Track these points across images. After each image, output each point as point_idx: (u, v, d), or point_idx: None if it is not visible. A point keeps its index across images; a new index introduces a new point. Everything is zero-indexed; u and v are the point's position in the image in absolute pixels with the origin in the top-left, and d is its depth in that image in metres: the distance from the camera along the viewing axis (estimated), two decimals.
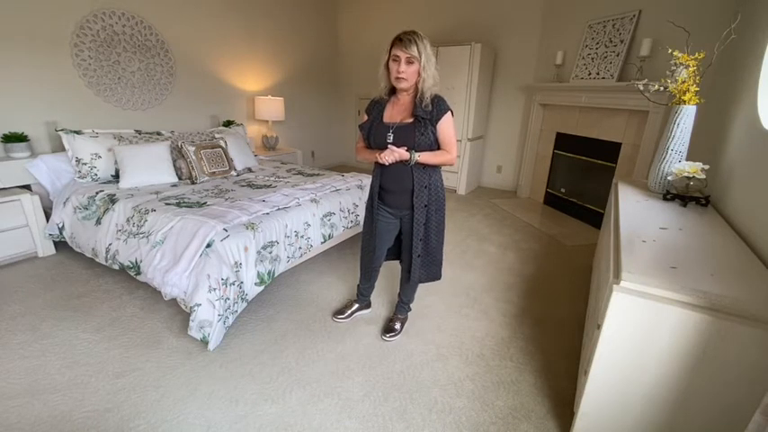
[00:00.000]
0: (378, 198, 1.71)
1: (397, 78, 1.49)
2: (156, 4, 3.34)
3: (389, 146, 1.52)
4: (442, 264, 1.81)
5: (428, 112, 1.52)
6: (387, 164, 1.54)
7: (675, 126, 1.89)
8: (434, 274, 1.80)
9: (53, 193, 2.62)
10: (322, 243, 2.37)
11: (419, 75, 1.49)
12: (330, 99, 5.75)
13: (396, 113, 1.59)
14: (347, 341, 1.87)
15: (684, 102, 1.86)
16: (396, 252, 1.91)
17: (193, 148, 2.85)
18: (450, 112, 1.55)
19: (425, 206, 1.63)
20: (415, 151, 1.53)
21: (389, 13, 5.14)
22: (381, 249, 1.83)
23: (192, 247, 1.81)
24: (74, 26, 2.86)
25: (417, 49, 1.44)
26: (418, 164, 1.56)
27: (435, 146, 1.58)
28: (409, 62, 1.46)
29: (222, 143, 3.12)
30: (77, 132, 2.70)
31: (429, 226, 1.67)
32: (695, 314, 1.02)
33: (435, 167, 1.63)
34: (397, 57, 1.46)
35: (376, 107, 1.64)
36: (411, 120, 1.55)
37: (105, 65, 3.09)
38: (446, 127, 1.55)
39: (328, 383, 1.60)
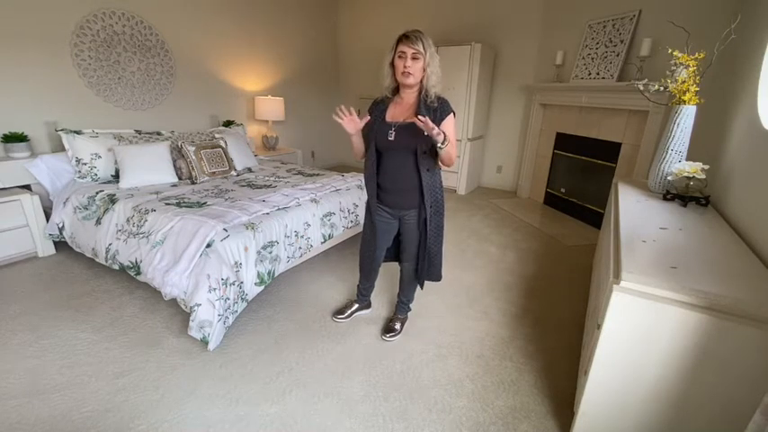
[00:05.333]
0: (376, 198, 1.71)
1: (404, 74, 1.49)
2: (156, 4, 3.34)
3: (419, 117, 1.39)
4: (441, 265, 1.81)
5: (431, 112, 1.52)
6: (428, 131, 1.39)
7: (675, 126, 1.89)
8: (434, 276, 1.81)
9: (53, 193, 2.62)
10: (322, 243, 2.38)
11: (424, 71, 1.50)
12: (330, 99, 5.74)
13: (399, 113, 1.59)
14: (347, 341, 1.87)
15: (684, 102, 1.86)
16: (395, 253, 1.91)
17: (193, 148, 2.85)
18: (452, 114, 1.56)
19: (430, 207, 1.63)
20: (418, 152, 1.53)
21: (389, 14, 5.14)
22: (381, 249, 1.83)
23: (191, 247, 1.81)
24: (74, 26, 2.86)
25: (423, 46, 1.46)
26: (425, 163, 1.55)
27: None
28: (415, 58, 1.47)
29: (222, 143, 3.12)
30: (77, 132, 2.70)
31: (429, 227, 1.67)
32: (695, 314, 1.02)
33: (437, 170, 1.63)
34: (404, 53, 1.47)
35: (378, 107, 1.64)
36: (414, 119, 1.54)
37: (105, 65, 3.09)
38: (449, 128, 1.55)
39: (328, 383, 1.60)
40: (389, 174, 1.63)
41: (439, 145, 1.46)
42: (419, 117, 1.39)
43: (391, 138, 1.54)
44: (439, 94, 1.56)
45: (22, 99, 2.70)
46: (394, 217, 1.73)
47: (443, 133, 1.42)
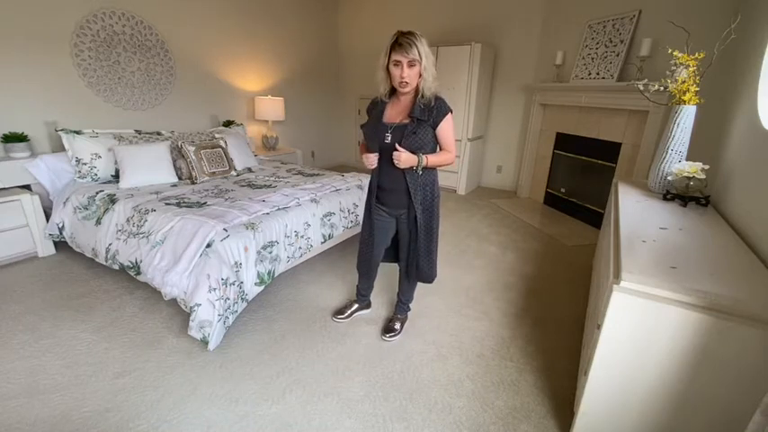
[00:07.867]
0: (375, 197, 1.72)
1: (402, 83, 1.48)
2: (156, 4, 3.34)
3: (397, 146, 1.51)
4: (432, 267, 1.76)
5: (426, 113, 1.51)
6: (400, 167, 1.53)
7: (675, 126, 1.89)
8: (423, 276, 1.77)
9: (53, 193, 2.62)
10: (322, 243, 2.37)
11: (421, 75, 1.48)
12: (330, 99, 5.75)
13: (396, 114, 1.59)
14: (347, 341, 1.87)
15: (684, 102, 1.86)
16: (393, 254, 1.91)
17: (193, 148, 2.85)
18: (449, 114, 1.55)
19: (420, 205, 1.62)
20: (417, 153, 1.52)
21: (389, 13, 5.14)
22: (378, 248, 1.83)
23: (191, 247, 1.81)
24: (74, 26, 2.86)
25: (418, 52, 1.43)
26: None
27: (434, 147, 1.59)
28: (411, 65, 1.45)
29: (222, 143, 3.12)
30: (77, 132, 2.70)
31: (418, 226, 1.65)
32: (695, 314, 1.02)
33: (429, 171, 1.62)
34: (399, 62, 1.45)
35: (377, 107, 1.64)
36: (408, 120, 1.55)
37: (105, 65, 3.09)
38: (446, 129, 1.55)
39: (328, 383, 1.60)
40: (386, 173, 1.63)
41: (414, 168, 1.54)
42: (396, 149, 1.51)
43: (388, 140, 1.55)
44: (436, 93, 1.53)
45: (22, 99, 2.70)
46: (391, 216, 1.74)
47: (419, 156, 1.52)
